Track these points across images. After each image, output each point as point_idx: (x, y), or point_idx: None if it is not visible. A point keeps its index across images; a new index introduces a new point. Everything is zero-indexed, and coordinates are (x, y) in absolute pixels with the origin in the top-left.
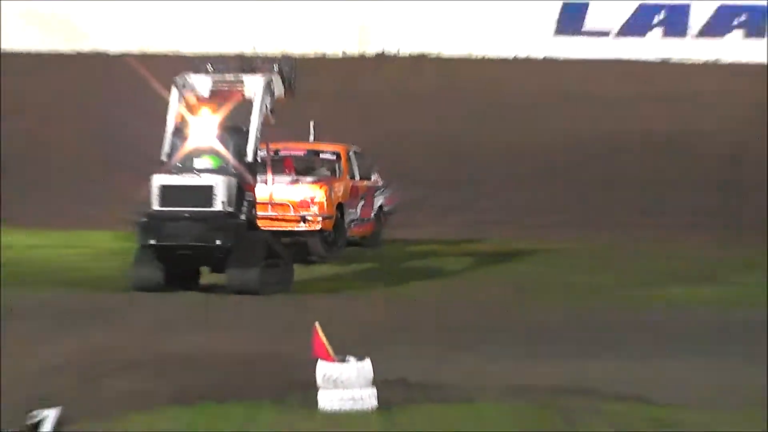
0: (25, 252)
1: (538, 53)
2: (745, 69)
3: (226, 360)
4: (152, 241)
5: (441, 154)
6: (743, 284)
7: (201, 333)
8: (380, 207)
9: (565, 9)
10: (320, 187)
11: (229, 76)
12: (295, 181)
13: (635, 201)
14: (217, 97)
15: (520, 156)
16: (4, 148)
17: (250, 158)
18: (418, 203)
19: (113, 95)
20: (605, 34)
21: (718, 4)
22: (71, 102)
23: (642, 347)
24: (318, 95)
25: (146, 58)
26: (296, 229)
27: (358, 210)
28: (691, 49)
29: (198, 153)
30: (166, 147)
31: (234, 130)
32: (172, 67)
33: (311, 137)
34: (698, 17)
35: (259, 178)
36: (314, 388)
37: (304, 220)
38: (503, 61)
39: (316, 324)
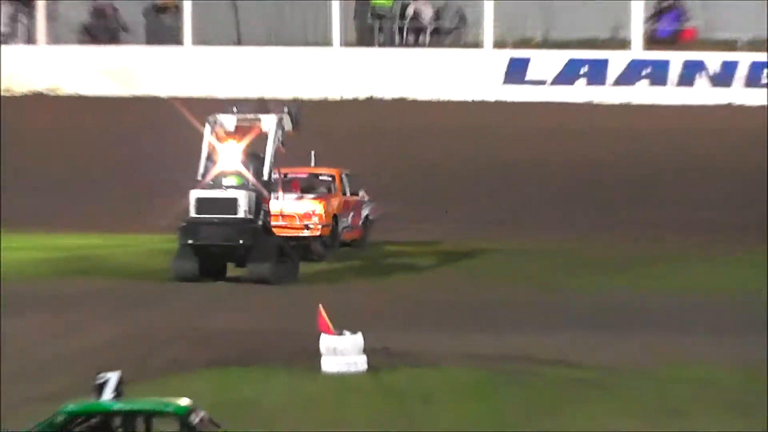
0: (81, 250)
1: (491, 97)
2: (650, 110)
3: (248, 334)
4: (190, 241)
5: (414, 175)
6: (648, 275)
7: (228, 314)
8: (366, 216)
9: (512, 63)
10: (319, 202)
11: (250, 116)
12: (300, 198)
13: (563, 210)
14: (240, 131)
15: (476, 176)
16: (71, 168)
17: (265, 178)
18: (396, 214)
19: (162, 131)
20: (542, 82)
21: (629, 59)
22: (128, 136)
23: (575, 321)
24: (319, 130)
25: (187, 101)
26: (301, 234)
27: (349, 219)
28: (608, 94)
29: (225, 173)
30: (201, 169)
31: (253, 156)
32: (207, 108)
33: (312, 163)
34: (614, 69)
35: (272, 194)
36: (318, 356)
37: (307, 227)
38: (464, 103)
39: (320, 306)
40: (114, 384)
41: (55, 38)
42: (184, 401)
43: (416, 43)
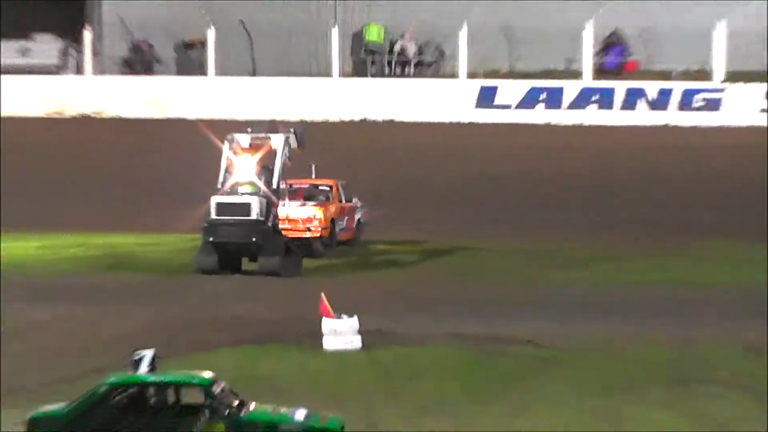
0: (117, 248)
1: (465, 119)
2: (598, 130)
3: (261, 318)
4: (211, 239)
5: (400, 184)
6: (603, 270)
7: (244, 301)
8: (359, 220)
9: (482, 91)
10: (319, 208)
11: (261, 135)
12: (303, 205)
13: (527, 215)
14: (253, 147)
15: (453, 185)
16: (110, 178)
17: (274, 186)
18: (384, 218)
19: (188, 148)
20: (508, 107)
21: (581, 87)
22: (159, 151)
23: (537, 309)
24: (320, 147)
25: (210, 123)
26: (304, 236)
27: (344, 222)
28: (563, 117)
29: (241, 182)
30: (221, 178)
31: (264, 169)
32: (226, 128)
33: (313, 175)
34: (568, 96)
35: (279, 200)
36: (320, 336)
37: (309, 230)
38: (442, 124)
39: (322, 294)
40: (149, 360)
41: (99, 70)
42: (207, 374)
43: (402, 74)
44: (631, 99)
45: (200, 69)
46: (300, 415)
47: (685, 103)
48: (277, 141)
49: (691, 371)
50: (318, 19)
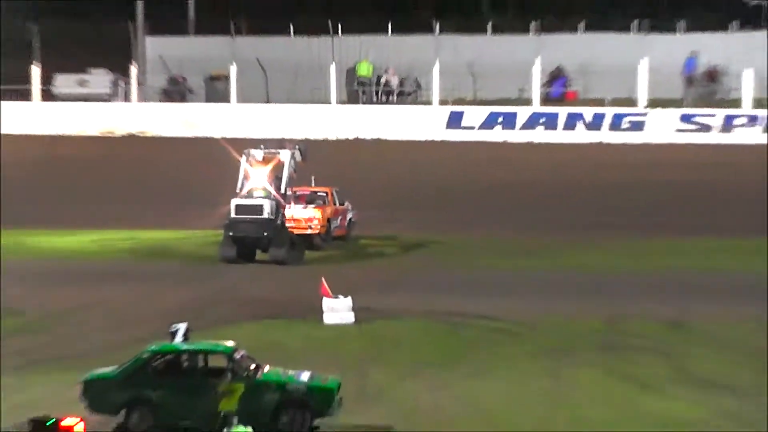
0: (156, 242)
1: (438, 138)
2: (545, 146)
3: (273, 298)
4: (231, 234)
5: (384, 191)
6: (551, 258)
7: (258, 284)
8: (350, 220)
9: (451, 115)
10: (318, 210)
11: (272, 150)
12: (305, 207)
13: (488, 215)
14: (265, 160)
15: (428, 192)
16: (151, 184)
17: (282, 192)
18: (371, 218)
19: (215, 160)
20: (472, 128)
21: (531, 112)
22: (191, 163)
23: (495, 290)
24: (320, 161)
25: (230, 140)
26: (306, 232)
27: (338, 221)
28: (516, 136)
29: (255, 188)
30: (239, 185)
31: (275, 177)
32: (245, 145)
33: (312, 183)
34: (521, 119)
35: (286, 203)
36: (321, 312)
37: (310, 227)
38: (419, 142)
39: (322, 278)
40: (182, 332)
41: (143, 98)
42: (229, 343)
43: (387, 102)
44: (572, 121)
45: (224, 98)
46: (305, 376)
47: (615, 125)
48: (285, 155)
49: (618, 340)
50: (319, 57)
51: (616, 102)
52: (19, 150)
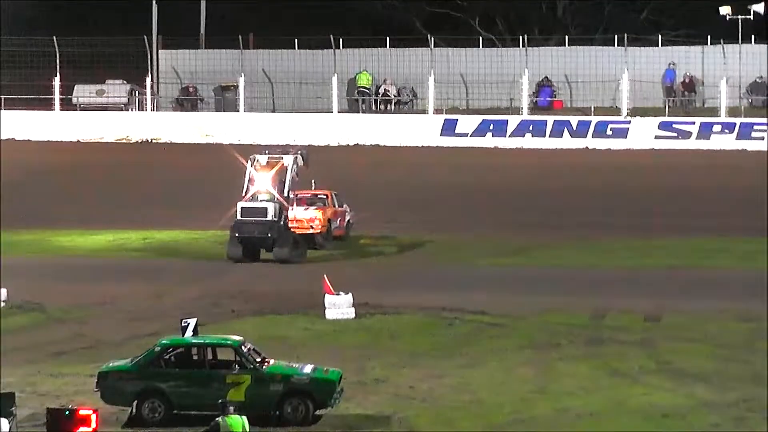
0: (166, 241)
1: (433, 144)
2: (533, 151)
3: (278, 294)
4: (237, 234)
5: (382, 193)
6: (538, 256)
7: (263, 281)
8: (348, 221)
9: (445, 122)
10: (319, 211)
11: (276, 155)
12: (307, 209)
13: (479, 215)
14: (269, 165)
15: (423, 194)
16: (163, 187)
17: (285, 195)
18: (369, 218)
19: (222, 166)
20: (465, 135)
21: (520, 120)
22: (202, 167)
23: (487, 286)
24: (323, 165)
25: (237, 146)
26: (308, 231)
27: (338, 222)
28: (506, 143)
29: (260, 191)
30: (245, 188)
31: (278, 181)
32: (252, 151)
33: (313, 187)
34: (511, 126)
35: (289, 205)
36: (323, 308)
37: (312, 227)
38: (415, 147)
39: (324, 276)
40: (193, 326)
41: (157, 107)
42: (237, 337)
43: (385, 110)
44: (558, 129)
45: (233, 107)
46: (308, 368)
47: (599, 132)
48: (288, 160)
49: (601, 333)
50: (321, 69)
51: (599, 111)
52: (42, 156)
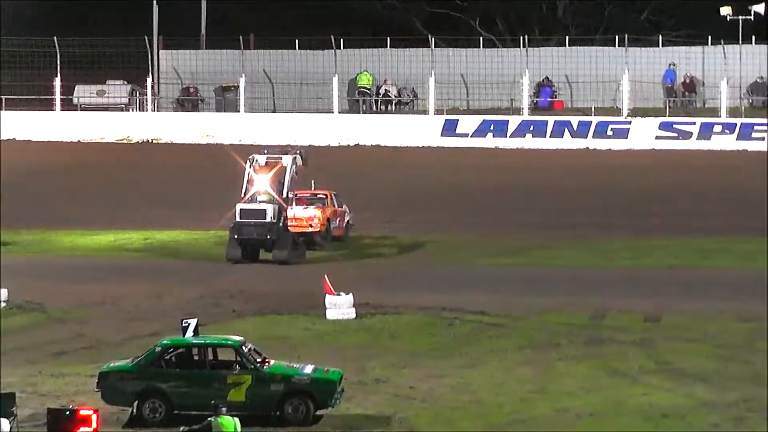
0: (166, 241)
1: (433, 144)
2: (534, 151)
3: (279, 294)
4: (236, 236)
5: (383, 193)
6: (536, 257)
7: (263, 281)
8: (347, 222)
9: (446, 123)
10: (319, 210)
11: (275, 156)
12: (306, 208)
13: (479, 215)
14: (269, 165)
15: (423, 194)
16: (164, 187)
17: (284, 195)
18: (370, 218)
19: (222, 166)
20: (466, 135)
21: (520, 120)
22: (202, 167)
23: (487, 286)
24: (323, 165)
25: (238, 147)
26: (307, 230)
27: (337, 222)
28: (507, 143)
29: (259, 192)
30: (243, 189)
31: (277, 182)
32: (253, 151)
33: (313, 187)
34: (511, 127)
35: (288, 206)
36: (324, 308)
37: (311, 226)
38: (416, 148)
39: (325, 276)
40: (193, 326)
41: (158, 107)
42: (237, 337)
43: (386, 111)
44: (559, 129)
45: (234, 107)
46: (308, 369)
47: (600, 132)
48: (286, 161)
49: (601, 334)
50: (322, 69)
51: (599, 111)
52: (42, 156)
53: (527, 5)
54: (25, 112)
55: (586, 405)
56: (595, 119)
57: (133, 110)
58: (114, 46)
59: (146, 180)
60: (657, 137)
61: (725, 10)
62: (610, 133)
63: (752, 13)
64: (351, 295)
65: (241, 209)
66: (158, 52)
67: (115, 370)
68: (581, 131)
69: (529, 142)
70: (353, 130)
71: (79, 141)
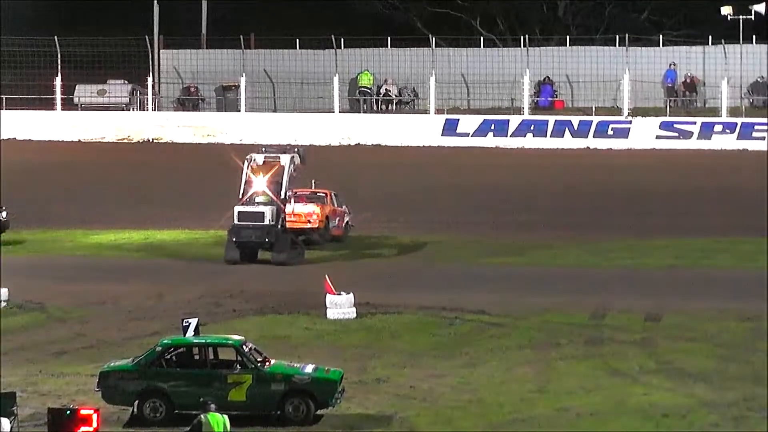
0: (166, 241)
1: (434, 144)
2: (534, 151)
3: (279, 294)
4: (234, 239)
5: (384, 192)
6: (536, 256)
7: (263, 281)
8: (347, 223)
9: (447, 122)
10: (318, 206)
11: (273, 155)
12: (306, 205)
13: (478, 215)
14: (266, 165)
15: (424, 194)
16: (164, 186)
17: (282, 196)
18: (371, 218)
19: (223, 165)
20: (466, 134)
21: (521, 119)
22: (202, 167)
23: (487, 286)
24: (324, 164)
25: (238, 146)
26: (306, 226)
27: (336, 222)
28: (508, 142)
29: (257, 193)
30: (241, 191)
31: (274, 182)
32: (251, 151)
33: (313, 186)
34: (512, 126)
35: (287, 206)
36: (324, 307)
37: (309, 221)
38: (417, 147)
39: (326, 276)
40: (194, 326)
41: (158, 107)
42: (238, 337)
43: (387, 110)
44: (560, 129)
45: (235, 107)
46: (309, 368)
47: (600, 132)
48: (284, 160)
49: (601, 333)
50: (323, 69)
51: (599, 111)
52: (43, 155)
53: (528, 5)
54: (26, 112)
55: (586, 404)
56: (595, 119)
57: (133, 110)
58: (115, 45)
59: (146, 180)
60: (657, 137)
61: (726, 10)
62: (610, 132)
63: (753, 12)
64: (351, 294)
65: (239, 212)
66: (159, 51)
67: (115, 370)
68: (582, 131)
69: (529, 141)
70: (354, 129)
71: (79, 141)
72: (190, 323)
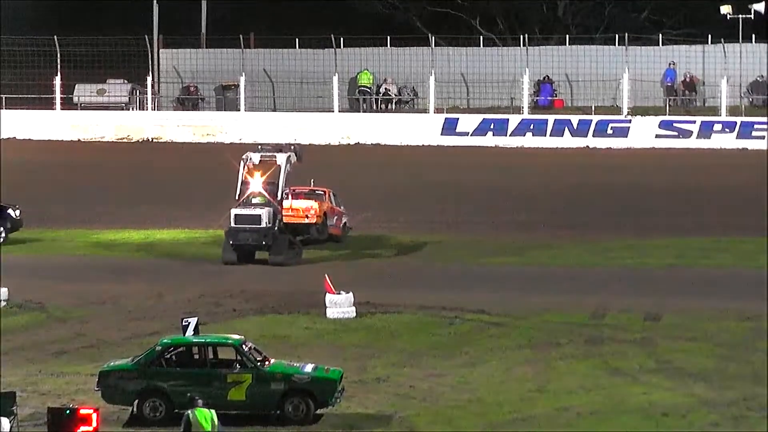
0: (165, 240)
1: (433, 143)
2: (534, 150)
3: (279, 293)
4: (231, 242)
5: (384, 192)
6: (535, 255)
7: (262, 282)
8: (344, 223)
9: (446, 121)
10: (315, 202)
11: (269, 154)
12: (304, 201)
13: (477, 215)
14: (263, 164)
15: (424, 193)
16: (163, 186)
17: (279, 197)
18: (370, 218)
19: (222, 164)
20: (466, 134)
21: (520, 119)
22: (202, 167)
23: (486, 286)
24: (324, 163)
25: (238, 146)
26: (304, 221)
27: (334, 220)
28: (507, 142)
29: (254, 194)
30: (238, 192)
31: (271, 183)
32: (247, 149)
33: (312, 184)
34: (511, 125)
35: (283, 206)
36: (324, 307)
37: (307, 217)
38: (416, 146)
39: (326, 275)
40: (194, 325)
41: (158, 106)
42: (237, 336)
43: (386, 109)
44: (559, 128)
45: (234, 106)
46: (309, 367)
47: (600, 131)
48: (281, 158)
49: (601, 333)
50: (322, 68)
51: (599, 110)
52: (42, 155)
53: (528, 4)
54: (26, 111)
55: (586, 404)
56: (595, 118)
57: (133, 109)
58: (114, 45)
59: (146, 179)
60: (657, 136)
61: (725, 9)
62: (610, 131)
63: (752, 11)
64: (351, 293)
65: (235, 214)
66: (158, 50)
67: (115, 369)
68: (581, 130)
69: (529, 140)
70: (353, 128)
71: (79, 140)
72: (189, 323)
